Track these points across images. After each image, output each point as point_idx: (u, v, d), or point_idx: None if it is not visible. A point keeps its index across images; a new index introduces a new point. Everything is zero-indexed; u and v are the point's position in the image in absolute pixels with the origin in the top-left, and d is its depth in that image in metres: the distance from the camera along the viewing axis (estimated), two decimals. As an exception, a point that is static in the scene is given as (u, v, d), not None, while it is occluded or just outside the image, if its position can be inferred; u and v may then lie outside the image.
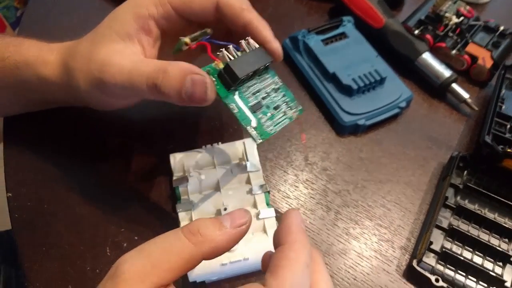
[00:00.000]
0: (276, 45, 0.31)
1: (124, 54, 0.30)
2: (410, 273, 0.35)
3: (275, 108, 0.31)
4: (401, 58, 0.46)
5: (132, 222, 0.36)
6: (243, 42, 0.30)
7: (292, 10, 0.53)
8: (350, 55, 0.44)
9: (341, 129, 0.42)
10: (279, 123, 0.31)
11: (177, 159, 0.37)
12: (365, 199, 0.39)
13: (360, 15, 0.48)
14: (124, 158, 0.40)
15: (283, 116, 0.31)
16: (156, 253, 0.22)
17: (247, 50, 0.30)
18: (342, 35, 0.46)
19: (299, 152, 0.41)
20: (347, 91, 0.42)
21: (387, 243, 0.36)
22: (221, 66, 0.29)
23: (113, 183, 0.38)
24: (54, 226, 0.36)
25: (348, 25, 0.47)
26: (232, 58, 0.29)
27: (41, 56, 0.35)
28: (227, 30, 0.33)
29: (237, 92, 0.30)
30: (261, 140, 0.29)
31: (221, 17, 0.32)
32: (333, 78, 0.43)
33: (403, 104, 0.43)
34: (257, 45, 0.30)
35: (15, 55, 0.35)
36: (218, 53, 0.29)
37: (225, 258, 0.32)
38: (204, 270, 0.32)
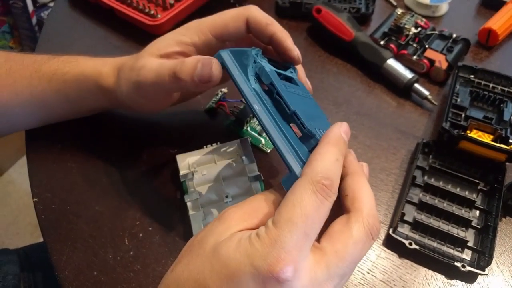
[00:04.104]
0: (296, 53, 0.38)
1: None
2: (388, 241, 0.40)
3: None
4: (370, 65, 0.54)
5: (146, 215, 0.41)
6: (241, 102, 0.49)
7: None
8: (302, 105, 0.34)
9: None
10: None
11: (182, 159, 0.42)
12: (346, 184, 0.45)
13: (333, 30, 0.56)
14: (136, 162, 0.45)
15: None
16: (255, 202, 0.28)
17: (243, 105, 0.49)
18: (292, 80, 0.38)
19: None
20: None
21: (367, 218, 0.42)
22: (233, 118, 0.49)
23: (127, 183, 0.44)
24: (77, 224, 0.41)
25: (295, 74, 0.39)
26: (238, 111, 0.48)
27: (97, 68, 0.41)
28: (251, 42, 0.40)
29: (248, 127, 0.48)
30: (269, 150, 0.46)
31: (251, 32, 0.38)
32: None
33: None
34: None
35: (74, 69, 0.42)
36: (230, 109, 0.49)
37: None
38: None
